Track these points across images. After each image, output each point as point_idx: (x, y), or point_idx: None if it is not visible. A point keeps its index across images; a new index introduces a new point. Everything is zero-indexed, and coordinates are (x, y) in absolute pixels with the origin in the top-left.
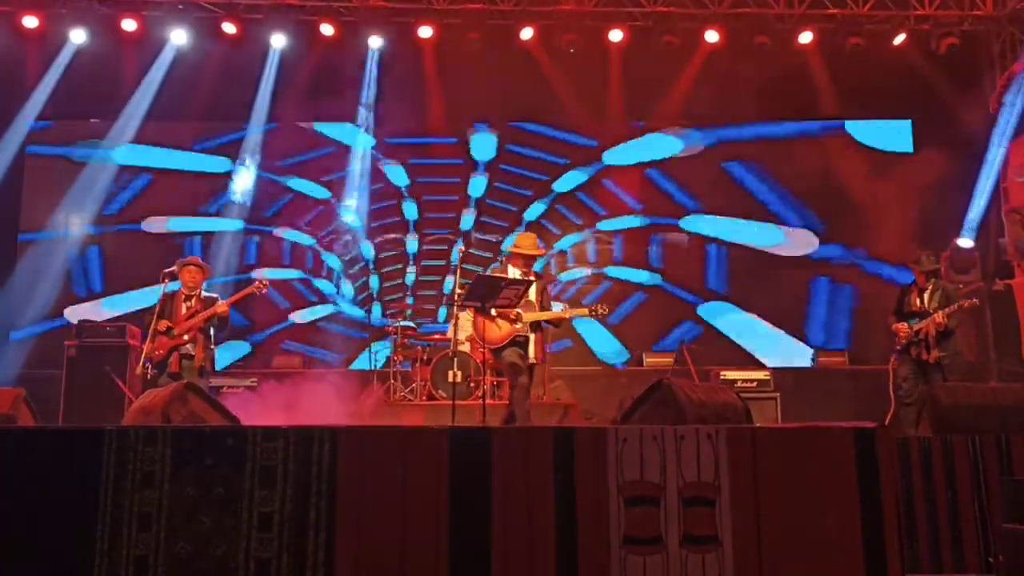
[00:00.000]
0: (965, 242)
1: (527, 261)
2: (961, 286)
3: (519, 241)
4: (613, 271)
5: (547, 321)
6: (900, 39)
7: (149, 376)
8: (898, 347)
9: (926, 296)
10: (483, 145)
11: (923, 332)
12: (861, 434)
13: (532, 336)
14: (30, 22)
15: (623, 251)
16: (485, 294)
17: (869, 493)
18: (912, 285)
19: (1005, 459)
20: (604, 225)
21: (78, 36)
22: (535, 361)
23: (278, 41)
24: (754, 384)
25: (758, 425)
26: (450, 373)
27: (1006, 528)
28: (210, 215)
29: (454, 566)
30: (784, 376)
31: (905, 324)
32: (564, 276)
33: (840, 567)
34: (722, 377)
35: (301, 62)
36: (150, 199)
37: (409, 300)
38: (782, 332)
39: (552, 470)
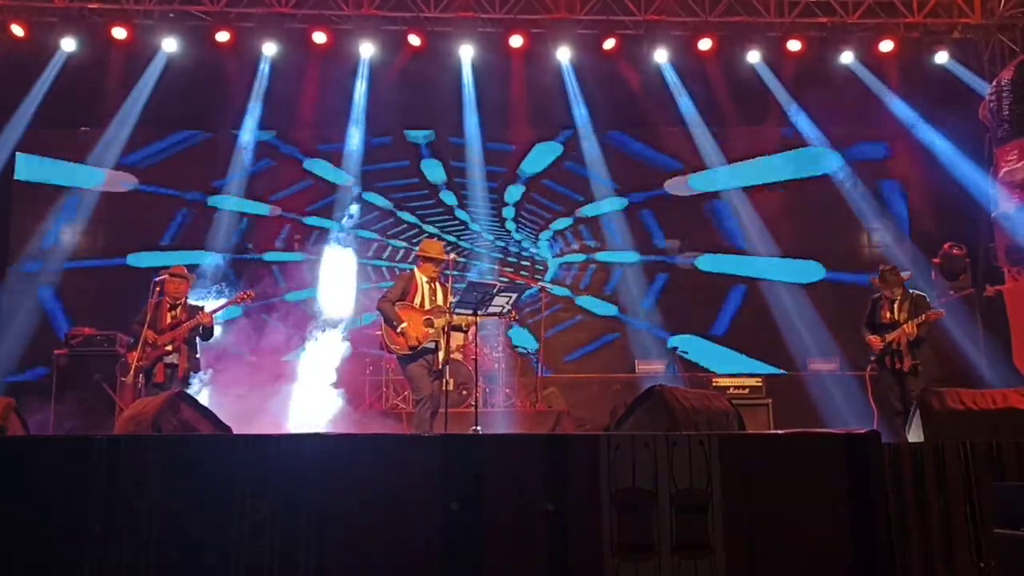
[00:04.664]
0: (956, 248)
1: (435, 266)
2: (952, 292)
3: (425, 247)
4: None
5: (455, 326)
6: (889, 46)
7: (139, 386)
8: (872, 358)
9: (896, 307)
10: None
11: (895, 343)
12: (852, 440)
13: (440, 341)
14: (18, 31)
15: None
16: (477, 301)
17: (860, 499)
18: (881, 297)
19: (996, 464)
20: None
21: (68, 44)
22: (441, 366)
23: (269, 50)
24: (746, 390)
25: (750, 431)
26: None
27: (998, 533)
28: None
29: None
30: (776, 382)
31: (877, 336)
32: (568, 259)
33: (831, 573)
34: (714, 383)
35: (295, 71)
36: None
37: None
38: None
39: (544, 478)
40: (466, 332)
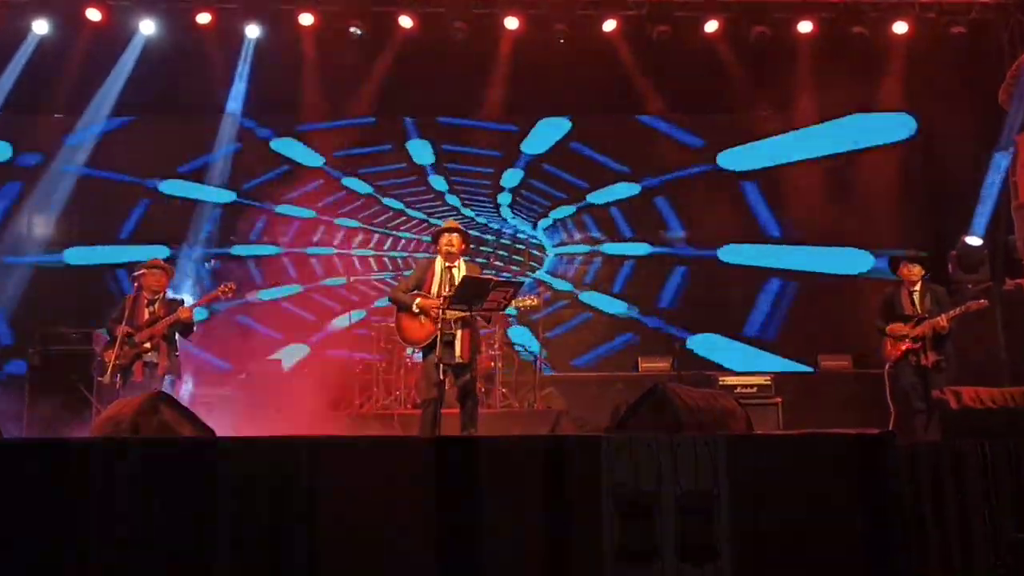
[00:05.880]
0: (973, 240)
1: (452, 254)
2: (970, 285)
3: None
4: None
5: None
6: (904, 28)
7: (117, 386)
8: (897, 354)
9: (916, 298)
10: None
11: (920, 336)
12: (865, 441)
13: (459, 332)
14: None
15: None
16: (472, 296)
17: (875, 504)
18: (900, 288)
19: (1015, 464)
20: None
21: (40, 27)
22: (462, 360)
23: (252, 32)
24: (754, 389)
25: (758, 432)
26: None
27: (1017, 537)
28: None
29: None
30: (786, 381)
31: (901, 324)
32: (569, 249)
33: None
34: (721, 382)
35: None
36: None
37: None
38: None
39: (542, 481)
40: (489, 322)
